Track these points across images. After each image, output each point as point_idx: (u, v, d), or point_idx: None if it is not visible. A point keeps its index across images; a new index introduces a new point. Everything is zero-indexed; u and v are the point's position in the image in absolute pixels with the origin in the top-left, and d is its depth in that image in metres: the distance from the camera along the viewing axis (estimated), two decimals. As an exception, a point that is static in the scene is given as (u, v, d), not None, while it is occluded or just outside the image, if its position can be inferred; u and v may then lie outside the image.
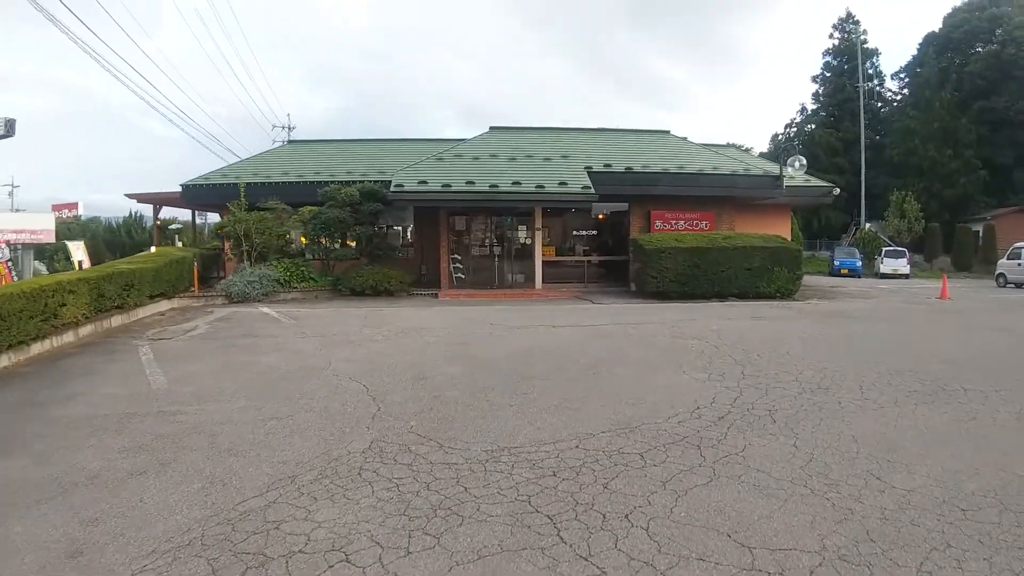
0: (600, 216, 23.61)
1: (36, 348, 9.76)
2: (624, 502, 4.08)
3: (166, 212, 27.84)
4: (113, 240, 41.10)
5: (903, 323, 13.03)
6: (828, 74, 57.29)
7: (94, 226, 45.85)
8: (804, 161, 22.38)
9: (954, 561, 3.33)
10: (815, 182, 25.06)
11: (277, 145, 29.48)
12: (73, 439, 5.55)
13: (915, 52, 54.11)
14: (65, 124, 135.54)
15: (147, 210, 34.24)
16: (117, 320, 12.77)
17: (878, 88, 57.08)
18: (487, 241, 21.54)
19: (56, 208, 42.87)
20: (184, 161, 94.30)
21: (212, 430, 5.74)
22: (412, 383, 7.50)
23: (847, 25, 55.72)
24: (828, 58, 57.38)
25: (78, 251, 21.23)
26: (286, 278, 18.32)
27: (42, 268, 26.40)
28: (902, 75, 56.88)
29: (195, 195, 21.54)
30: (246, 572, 3.30)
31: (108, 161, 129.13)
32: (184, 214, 29.66)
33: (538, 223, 20.44)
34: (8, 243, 21.01)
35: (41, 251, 29.71)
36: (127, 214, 45.85)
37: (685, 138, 25.73)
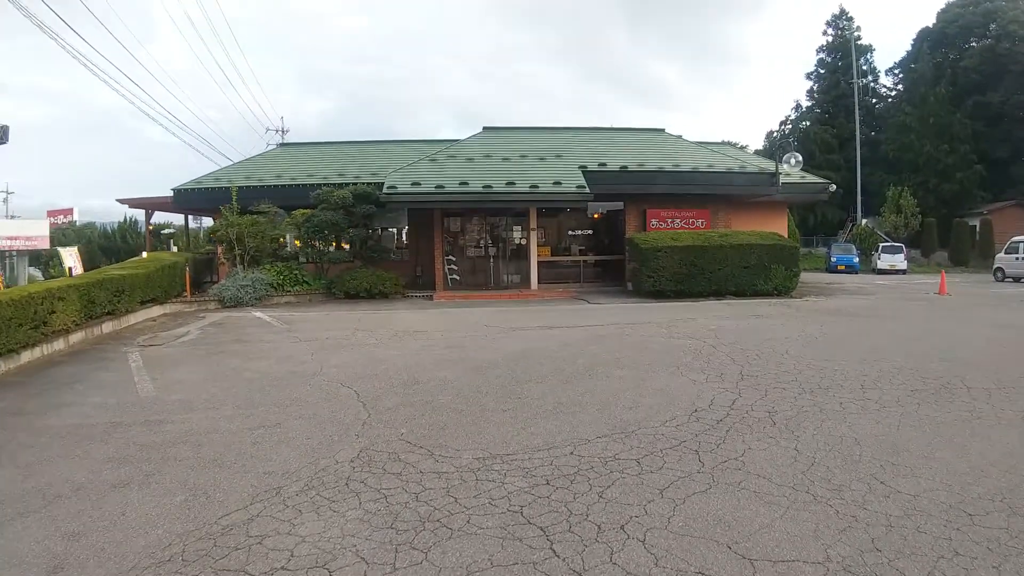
0: (595, 215, 23.51)
1: (26, 356, 9.60)
2: (620, 512, 3.93)
3: (161, 217, 27.73)
4: (109, 246, 41.01)
5: (902, 320, 12.92)
6: (822, 71, 57.26)
7: (89, 232, 45.74)
8: (800, 158, 22.28)
9: (962, 571, 3.19)
10: (811, 179, 24.99)
11: (269, 148, 29.28)
12: (59, 449, 5.44)
13: (909, 48, 54.26)
14: (60, 130, 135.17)
15: (142, 215, 34.13)
16: (108, 326, 12.61)
17: (873, 84, 57.10)
18: (482, 242, 21.41)
19: (51, 214, 42.80)
20: (181, 165, 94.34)
21: (198, 440, 5.60)
22: (404, 388, 7.36)
23: (841, 22, 55.68)
24: (822, 55, 57.37)
25: (69, 257, 21.05)
26: (279, 282, 18.18)
27: (37, 275, 26.28)
28: (896, 71, 56.98)
29: (186, 199, 21.40)
30: (225, 592, 3.16)
31: (104, 167, 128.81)
32: (180, 219, 29.52)
33: (533, 223, 20.32)
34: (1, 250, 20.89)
35: (37, 257, 29.59)
36: (122, 219, 45.72)
37: (680, 136, 25.64)
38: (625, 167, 20.59)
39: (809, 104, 59.41)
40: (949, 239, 38.83)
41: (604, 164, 20.68)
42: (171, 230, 32.51)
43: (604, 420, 5.90)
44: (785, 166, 21.63)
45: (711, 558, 3.34)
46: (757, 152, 46.55)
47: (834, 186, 24.67)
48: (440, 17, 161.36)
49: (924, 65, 48.91)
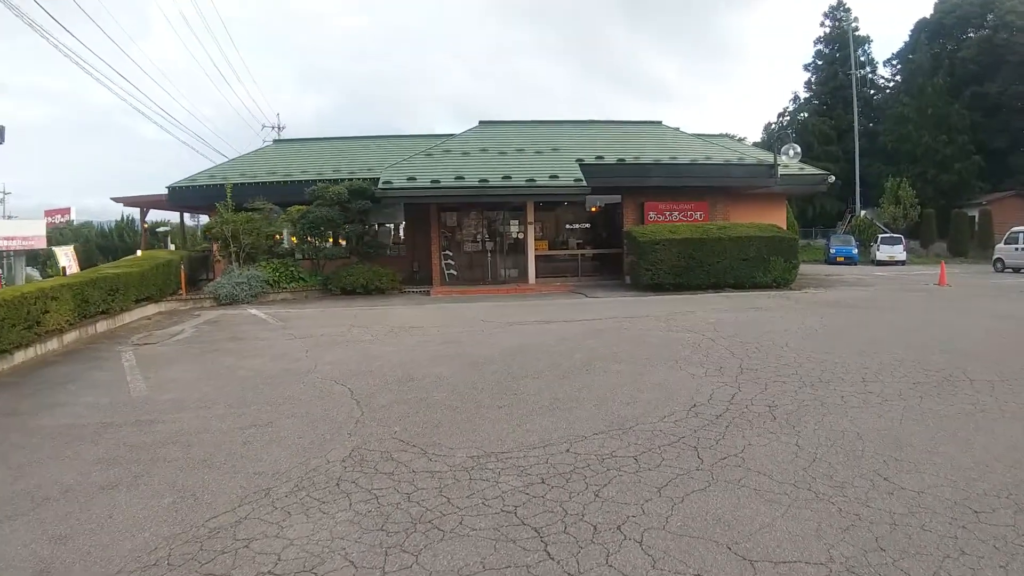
0: (593, 209, 23.34)
1: (20, 356, 9.52)
2: (617, 511, 3.83)
3: (157, 215, 27.60)
4: (106, 245, 40.97)
5: (903, 311, 12.82)
6: (820, 62, 57.02)
7: (86, 231, 45.66)
8: (798, 148, 22.16)
9: (969, 571, 3.09)
10: (810, 170, 24.83)
11: (265, 145, 29.13)
12: (50, 450, 5.38)
13: (907, 39, 54.14)
14: (57, 130, 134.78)
15: (139, 213, 34.02)
16: (103, 326, 12.50)
17: (870, 75, 56.88)
18: (479, 237, 21.30)
19: (49, 213, 42.66)
20: (178, 163, 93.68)
21: (188, 440, 5.51)
22: (399, 385, 7.25)
23: (838, 13, 55.45)
24: (820, 46, 57.11)
25: (64, 256, 21.00)
26: (275, 279, 18.07)
27: (35, 274, 26.19)
28: (894, 62, 56.80)
29: (181, 197, 21.27)
30: (210, 598, 3.07)
31: (101, 166, 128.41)
32: (177, 217, 29.42)
33: (530, 217, 20.20)
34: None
35: (35, 257, 29.53)
36: (119, 218, 45.63)
37: (678, 128, 25.49)
38: (622, 160, 20.47)
39: (807, 96, 59.19)
40: (948, 230, 38.71)
41: (601, 157, 20.55)
42: (167, 228, 32.35)
43: (601, 416, 5.80)
44: (783, 157, 21.49)
45: (710, 560, 3.24)
46: (755, 144, 46.29)
47: (833, 177, 24.52)
48: (440, 17, 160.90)
49: (922, 56, 48.75)
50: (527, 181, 18.67)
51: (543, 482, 4.32)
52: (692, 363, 7.95)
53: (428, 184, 18.40)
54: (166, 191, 21.21)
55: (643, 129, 24.63)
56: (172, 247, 28.41)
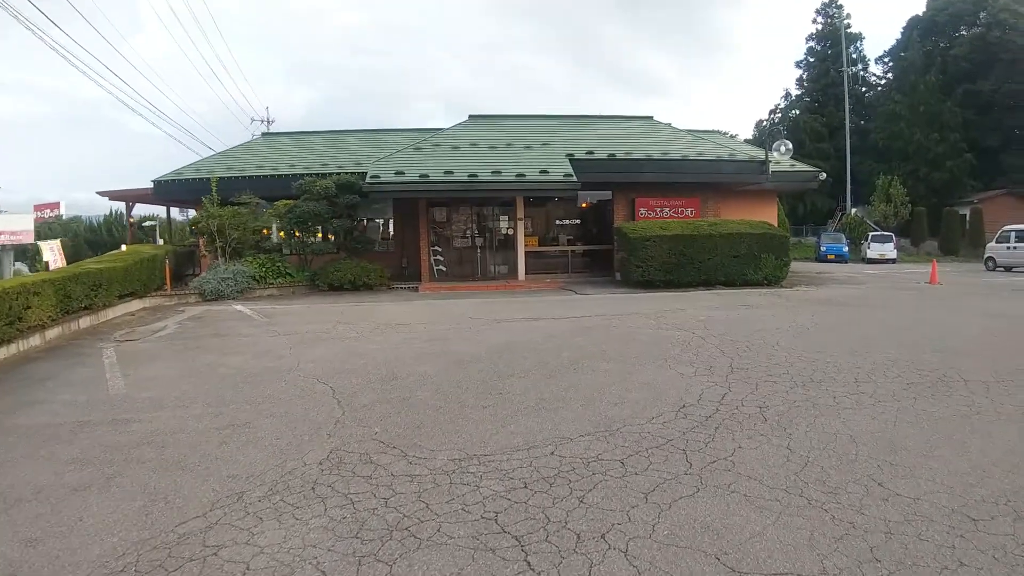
0: (583, 205, 23.22)
1: (2, 353, 9.36)
2: (601, 519, 3.68)
3: (144, 209, 27.28)
4: (95, 239, 40.64)
5: (895, 309, 12.73)
6: (812, 59, 57.03)
7: (75, 225, 45.26)
8: (790, 145, 22.02)
9: (968, 582, 2.96)
10: (801, 167, 24.74)
11: (253, 139, 28.83)
12: (25, 449, 5.25)
13: (899, 36, 54.04)
14: (46, 125, 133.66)
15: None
16: (86, 321, 12.30)
17: (862, 73, 57.00)
18: (468, 232, 21.11)
19: (38, 208, 42.07)
20: (165, 156, 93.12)
21: (163, 440, 5.35)
22: (382, 384, 7.09)
23: (830, 10, 55.49)
24: (812, 43, 57.13)
25: (49, 251, 20.74)
26: (262, 274, 17.83)
27: (24, 269, 25.91)
28: (886, 59, 56.80)
29: (167, 191, 21.00)
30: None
31: (90, 160, 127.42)
32: (164, 211, 29.10)
33: (520, 213, 20.05)
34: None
35: (24, 252, 29.20)
36: (108, 212, 45.25)
37: (669, 124, 25.32)
38: (613, 155, 20.31)
39: (799, 93, 59.24)
40: (939, 228, 38.71)
41: (592, 152, 20.39)
42: (153, 222, 32.02)
43: (588, 417, 5.65)
44: (775, 153, 21.39)
45: (698, 571, 3.10)
46: (747, 141, 46.13)
47: (824, 174, 24.44)
48: (440, 16, 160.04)
49: (914, 53, 48.76)
50: (517, 176, 18.51)
51: (526, 487, 4.17)
52: (682, 362, 7.82)
53: (416, 179, 18.20)
54: (152, 185, 20.93)
55: (634, 124, 24.45)
56: (160, 241, 28.13)
